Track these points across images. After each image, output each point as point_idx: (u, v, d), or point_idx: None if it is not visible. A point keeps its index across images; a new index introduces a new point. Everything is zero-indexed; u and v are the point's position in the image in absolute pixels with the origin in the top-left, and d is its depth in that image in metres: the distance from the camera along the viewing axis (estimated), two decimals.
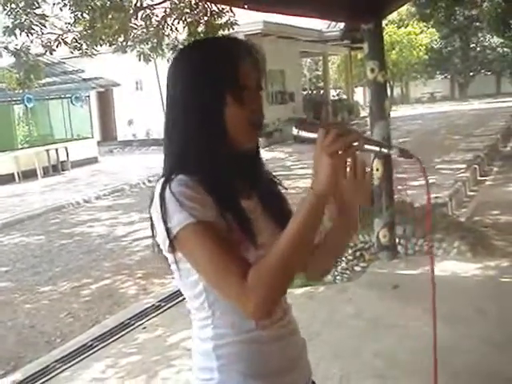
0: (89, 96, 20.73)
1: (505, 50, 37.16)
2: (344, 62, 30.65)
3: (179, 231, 1.32)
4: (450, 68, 39.65)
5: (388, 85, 5.92)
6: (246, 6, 3.17)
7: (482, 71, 39.77)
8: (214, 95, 1.40)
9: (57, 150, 17.99)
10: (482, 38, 37.61)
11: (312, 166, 1.35)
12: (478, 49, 38.21)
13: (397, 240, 6.18)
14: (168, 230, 1.33)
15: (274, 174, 1.62)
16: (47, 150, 17.72)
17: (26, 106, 18.02)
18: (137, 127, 23.54)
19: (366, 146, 1.31)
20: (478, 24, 33.45)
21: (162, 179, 1.38)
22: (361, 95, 35.36)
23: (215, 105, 1.40)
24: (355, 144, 1.28)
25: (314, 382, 1.62)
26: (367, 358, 3.87)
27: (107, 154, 21.96)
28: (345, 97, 29.50)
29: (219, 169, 1.40)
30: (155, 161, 18.49)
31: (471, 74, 39.93)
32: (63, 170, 18.06)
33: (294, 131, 1.36)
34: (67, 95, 19.58)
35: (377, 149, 1.31)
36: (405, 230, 6.42)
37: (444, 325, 4.28)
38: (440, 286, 5.16)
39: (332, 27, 22.84)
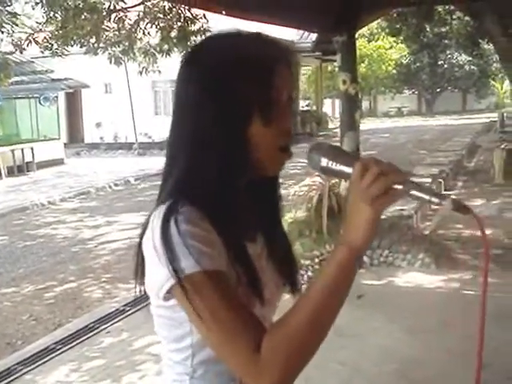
0: (57, 97, 20.51)
1: (472, 67, 37.99)
2: (314, 74, 30.85)
3: (183, 279, 1.04)
4: (417, 83, 40.25)
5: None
6: (223, 12, 3.20)
7: (449, 88, 40.46)
8: (241, 111, 1.12)
9: (22, 150, 17.73)
10: (449, 56, 38.32)
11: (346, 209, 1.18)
12: (446, 66, 38.86)
13: None
14: (171, 275, 1.05)
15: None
16: (12, 150, 17.44)
17: None
18: (104, 130, 23.39)
19: (412, 192, 1.02)
20: (446, 42, 34.12)
21: (164, 207, 1.10)
22: (329, 107, 35.68)
23: (239, 122, 1.12)
24: (399, 187, 1.01)
25: None
26: (332, 366, 3.90)
27: (74, 156, 21.72)
28: (314, 108, 29.72)
29: (235, 205, 1.14)
30: (122, 164, 18.42)
31: (438, 90, 40.59)
32: (28, 171, 17.80)
33: (323, 162, 1.10)
34: (35, 95, 19.34)
35: (426, 197, 1.02)
36: None
37: (407, 335, 4.36)
38: (405, 297, 5.28)
39: (304, 38, 22.98)
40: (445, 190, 11.33)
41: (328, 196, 6.68)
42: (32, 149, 18.00)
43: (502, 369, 3.84)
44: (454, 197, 1.02)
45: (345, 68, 5.71)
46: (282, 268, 1.24)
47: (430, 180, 12.13)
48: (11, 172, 17.20)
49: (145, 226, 1.14)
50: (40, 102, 19.28)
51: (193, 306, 1.05)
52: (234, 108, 1.11)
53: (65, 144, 21.29)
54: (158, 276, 1.07)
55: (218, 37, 1.23)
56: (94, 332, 5.07)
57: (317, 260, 6.25)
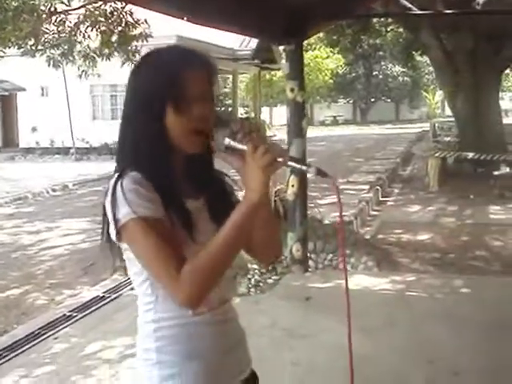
0: None
1: (405, 79, 39.17)
2: (253, 81, 31.11)
3: (124, 224, 1.45)
4: (352, 93, 41.18)
5: None
6: (185, 19, 3.28)
7: (383, 98, 41.59)
8: (156, 105, 1.51)
9: None
10: (384, 67, 39.42)
11: (242, 175, 1.49)
12: (381, 76, 39.96)
13: (308, 254, 6.39)
14: (115, 222, 1.47)
15: (227, 174, 1.71)
16: None
17: None
18: (41, 135, 22.83)
19: (289, 163, 1.46)
20: (381, 53, 35.09)
21: (116, 174, 1.51)
22: (267, 115, 36.03)
23: (156, 114, 1.51)
24: (280, 160, 1.43)
25: (255, 372, 1.74)
26: (286, 366, 4.00)
27: (8, 161, 21.12)
28: (252, 115, 29.93)
29: (164, 170, 1.53)
30: (59, 170, 18.06)
31: (372, 100, 41.66)
32: None
33: (226, 141, 1.50)
34: None
35: (297, 166, 1.48)
36: (315, 245, 6.65)
37: (356, 334, 4.49)
38: (351, 298, 5.42)
39: (244, 46, 23.18)
40: (382, 196, 11.67)
41: (274, 201, 6.80)
42: None
43: (446, 366, 4.02)
44: (317, 166, 1.43)
45: (293, 76, 5.84)
46: (221, 221, 1.51)
47: (367, 187, 12.48)
48: None
49: (105, 191, 1.51)
50: None
51: (131, 244, 1.49)
52: (153, 103, 1.51)
53: None
54: (111, 223, 1.48)
55: (155, 50, 1.63)
56: (42, 338, 4.97)
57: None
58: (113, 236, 1.50)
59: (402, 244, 7.74)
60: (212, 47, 21.33)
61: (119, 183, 1.47)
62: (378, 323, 4.65)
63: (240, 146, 1.48)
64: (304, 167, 1.46)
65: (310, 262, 6.41)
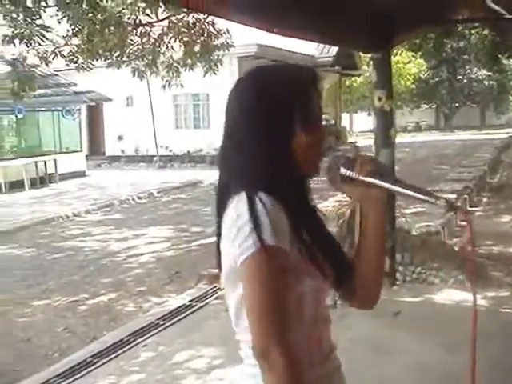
0: (80, 109, 20.68)
1: (491, 82, 37.83)
2: (333, 88, 30.91)
3: (247, 256, 1.28)
4: (436, 98, 40.16)
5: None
6: (275, 31, 3.27)
7: (468, 103, 40.33)
8: (285, 124, 1.40)
9: (45, 162, 17.88)
10: (468, 71, 38.23)
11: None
12: (465, 81, 38.79)
13: (395, 267, 6.21)
14: (240, 252, 1.30)
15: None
16: (35, 162, 17.59)
17: (16, 116, 17.90)
18: (126, 143, 23.51)
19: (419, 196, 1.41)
20: (465, 56, 34.07)
21: (243, 195, 1.33)
22: (347, 121, 35.67)
23: (284, 133, 1.40)
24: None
25: None
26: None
27: (95, 169, 21.87)
28: (332, 122, 29.72)
29: (295, 195, 1.42)
30: (143, 177, 18.50)
31: (457, 105, 40.47)
32: (51, 183, 17.93)
33: (343, 171, 1.42)
34: (58, 108, 19.51)
35: (426, 198, 1.40)
36: (403, 257, 6.47)
37: (448, 352, 4.32)
38: (440, 314, 5.22)
39: (324, 53, 23.08)
40: (470, 206, 11.26)
41: (360, 212, 6.67)
42: (55, 161, 18.15)
43: None
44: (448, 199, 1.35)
45: (380, 85, 5.72)
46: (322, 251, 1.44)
47: (454, 196, 12.07)
48: (34, 184, 17.32)
49: (219, 222, 1.39)
50: (63, 115, 19.43)
51: (246, 278, 1.30)
52: (281, 121, 1.40)
53: (86, 156, 21.44)
54: (232, 253, 1.32)
55: (267, 65, 1.55)
56: (131, 345, 5.07)
57: None
58: (239, 257, 1.31)
59: (493, 256, 7.40)
60: (294, 55, 21.35)
61: (258, 200, 1.30)
62: (468, 340, 4.45)
63: (362, 178, 1.40)
64: (432, 200, 1.34)
65: (398, 275, 6.23)
